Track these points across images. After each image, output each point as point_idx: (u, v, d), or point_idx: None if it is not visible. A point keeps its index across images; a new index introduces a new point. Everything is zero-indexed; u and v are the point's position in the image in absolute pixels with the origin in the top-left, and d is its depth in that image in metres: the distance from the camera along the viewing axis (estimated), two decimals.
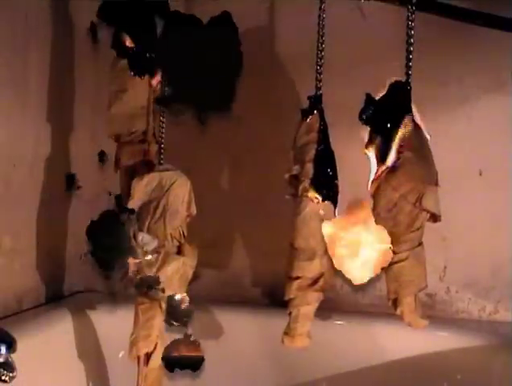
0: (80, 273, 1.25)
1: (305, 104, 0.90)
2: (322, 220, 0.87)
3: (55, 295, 1.17)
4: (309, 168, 0.86)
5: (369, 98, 0.87)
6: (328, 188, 0.87)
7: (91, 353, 1.07)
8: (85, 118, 1.23)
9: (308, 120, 0.89)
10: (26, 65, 1.07)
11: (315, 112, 0.88)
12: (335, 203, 0.88)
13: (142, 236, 0.92)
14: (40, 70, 1.11)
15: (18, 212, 1.06)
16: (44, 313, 1.09)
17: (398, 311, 0.87)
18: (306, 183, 0.86)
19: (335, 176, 0.88)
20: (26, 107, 1.08)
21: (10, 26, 1.03)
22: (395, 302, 0.87)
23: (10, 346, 0.70)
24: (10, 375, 0.69)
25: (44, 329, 1.00)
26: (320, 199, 0.86)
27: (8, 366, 0.70)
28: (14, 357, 0.70)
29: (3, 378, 0.69)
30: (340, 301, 1.18)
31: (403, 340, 1.04)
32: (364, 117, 0.87)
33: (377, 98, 0.88)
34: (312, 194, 0.86)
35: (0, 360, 0.69)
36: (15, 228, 1.05)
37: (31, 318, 1.04)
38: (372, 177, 0.86)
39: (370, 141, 0.88)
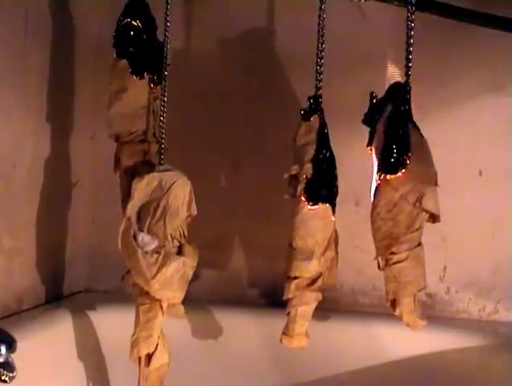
0: (80, 273, 1.25)
1: (305, 104, 0.90)
2: (320, 220, 0.87)
3: (55, 295, 1.17)
4: (308, 168, 0.86)
5: (373, 102, 0.87)
6: (327, 189, 0.87)
7: (91, 353, 1.07)
8: (85, 118, 1.23)
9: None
10: (26, 65, 1.07)
11: (315, 113, 0.88)
12: (333, 204, 0.88)
13: (142, 237, 0.91)
14: (40, 70, 1.11)
15: (18, 212, 1.06)
16: (44, 313, 1.09)
17: (397, 312, 0.87)
18: (304, 184, 0.86)
19: (334, 177, 0.88)
20: (27, 107, 1.07)
21: (10, 27, 1.02)
22: (394, 303, 0.87)
23: (10, 346, 0.70)
24: (10, 375, 0.69)
25: (44, 329, 1.00)
26: (311, 204, 0.86)
27: (8, 366, 0.70)
28: (14, 357, 0.70)
29: (3, 378, 0.69)
30: (340, 301, 1.18)
31: (403, 340, 1.04)
32: (369, 121, 0.88)
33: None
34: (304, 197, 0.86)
35: (0, 360, 0.69)
36: (15, 228, 1.05)
37: (31, 318, 1.04)
38: (374, 177, 0.86)
39: (371, 142, 0.88)
